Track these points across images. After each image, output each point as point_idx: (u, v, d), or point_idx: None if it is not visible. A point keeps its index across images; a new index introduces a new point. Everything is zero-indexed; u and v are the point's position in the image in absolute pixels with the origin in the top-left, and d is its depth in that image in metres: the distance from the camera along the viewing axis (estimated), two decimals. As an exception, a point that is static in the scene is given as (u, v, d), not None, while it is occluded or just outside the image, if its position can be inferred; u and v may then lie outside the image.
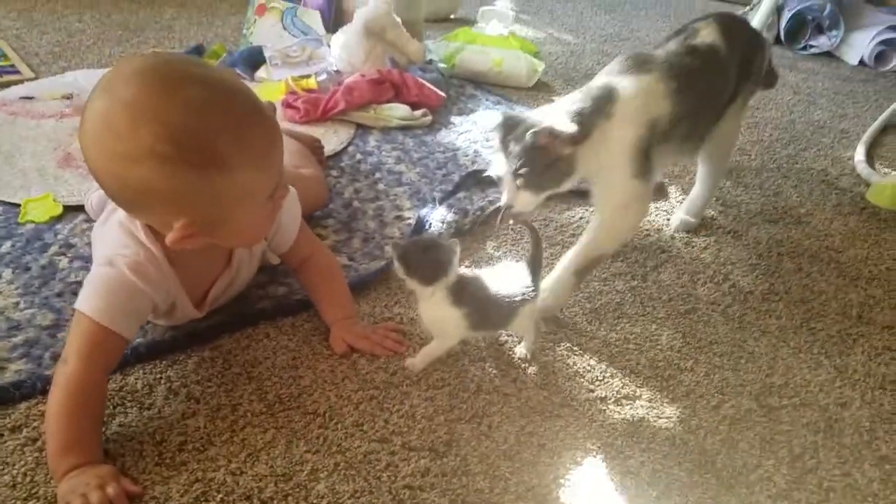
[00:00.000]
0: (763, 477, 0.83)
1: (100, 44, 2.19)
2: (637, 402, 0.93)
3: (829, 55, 2.73)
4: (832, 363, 1.02)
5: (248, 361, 0.96)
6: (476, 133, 1.78)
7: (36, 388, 0.90)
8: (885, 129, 1.96)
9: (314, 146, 1.47)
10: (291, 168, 1.26)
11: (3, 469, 0.79)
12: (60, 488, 0.76)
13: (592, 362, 0.99)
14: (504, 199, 0.97)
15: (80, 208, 1.30)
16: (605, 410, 0.91)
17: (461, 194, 1.43)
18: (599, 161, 0.96)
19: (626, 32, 2.87)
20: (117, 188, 0.79)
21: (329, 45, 2.07)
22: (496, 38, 2.16)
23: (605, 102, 0.96)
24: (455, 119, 1.86)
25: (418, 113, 1.80)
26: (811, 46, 2.76)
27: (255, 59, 2.04)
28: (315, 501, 0.77)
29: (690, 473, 0.83)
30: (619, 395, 0.93)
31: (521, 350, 0.98)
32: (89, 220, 1.27)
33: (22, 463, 0.80)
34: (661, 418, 0.90)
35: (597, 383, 0.95)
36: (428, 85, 1.87)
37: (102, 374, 0.84)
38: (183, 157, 0.74)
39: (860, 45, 2.62)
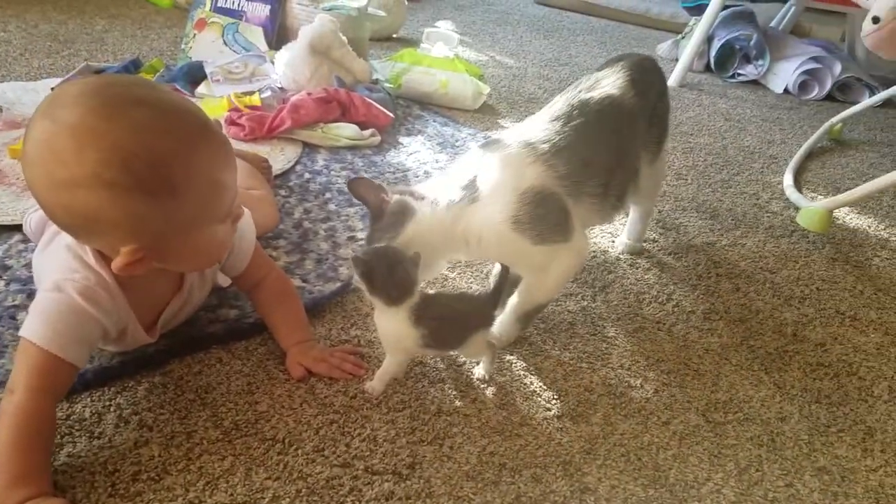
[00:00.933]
0: (713, 490, 0.87)
1: (27, 55, 2.12)
2: (592, 418, 0.96)
3: (756, 83, 2.90)
4: (771, 379, 1.08)
5: (202, 387, 0.95)
6: (425, 154, 1.81)
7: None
8: (809, 155, 2.09)
9: (262, 166, 1.47)
10: (242, 189, 1.25)
11: (-58, 505, 0.76)
12: None
13: (548, 381, 1.02)
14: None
15: (13, 228, 1.26)
16: (562, 428, 0.94)
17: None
18: (482, 248, 0.97)
19: (565, 57, 2.97)
20: (61, 214, 0.77)
21: (273, 62, 2.07)
22: (442, 59, 2.20)
23: (468, 189, 0.95)
24: (403, 139, 1.89)
25: (367, 133, 1.82)
26: (739, 74, 2.92)
27: (195, 75, 2.02)
28: (278, 529, 0.77)
29: (645, 488, 0.86)
30: (574, 413, 0.97)
31: (479, 371, 1.01)
32: (25, 241, 1.23)
33: (-37, 498, 0.77)
34: (614, 434, 0.94)
35: (553, 402, 0.99)
36: (376, 105, 1.90)
37: (52, 403, 0.81)
38: (131, 182, 0.72)
39: (785, 74, 2.79)
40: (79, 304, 0.82)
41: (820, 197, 1.78)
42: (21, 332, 0.81)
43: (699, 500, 0.86)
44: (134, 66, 2.03)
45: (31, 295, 1.09)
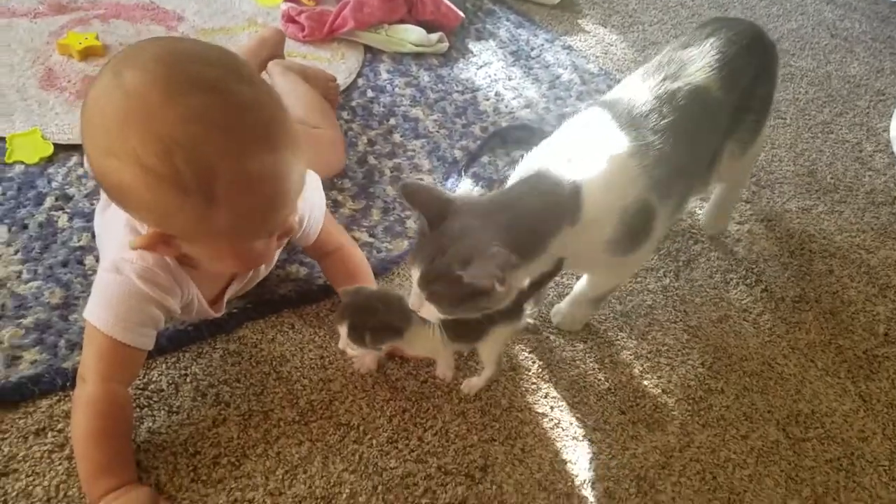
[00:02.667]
0: (787, 519, 0.90)
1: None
2: (668, 427, 0.98)
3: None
4: (857, 389, 1.08)
5: (276, 358, 0.98)
6: (497, 67, 1.72)
7: (55, 384, 0.91)
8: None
9: (329, 87, 1.41)
10: (307, 127, 1.22)
11: (35, 480, 0.82)
12: None
13: (623, 379, 1.03)
14: (410, 301, 0.85)
15: (71, 147, 1.25)
16: (636, 436, 0.97)
17: (485, 159, 1.41)
18: (565, 257, 0.90)
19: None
20: (98, 174, 0.74)
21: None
22: (522, -52, 2.04)
23: (566, 209, 0.84)
24: (473, 46, 1.79)
25: (434, 37, 1.73)
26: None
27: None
28: (356, 529, 0.82)
29: (719, 513, 0.90)
30: (650, 420, 0.99)
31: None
32: (84, 164, 1.22)
33: (52, 474, 0.83)
34: (691, 447, 0.96)
35: (628, 405, 1.00)
36: (445, 1, 1.78)
37: (125, 389, 0.85)
38: (166, 173, 0.68)
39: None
40: (138, 287, 0.82)
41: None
42: (85, 314, 0.83)
43: (772, 530, 0.89)
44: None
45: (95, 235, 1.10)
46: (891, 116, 1.81)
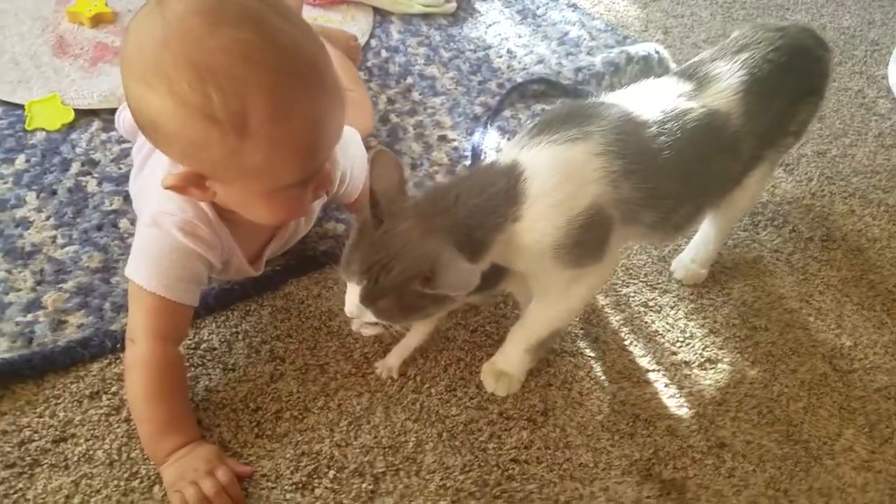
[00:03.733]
0: (845, 447, 0.88)
1: None
2: (719, 365, 0.95)
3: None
4: (894, 322, 1.06)
5: (324, 313, 0.94)
6: (505, 25, 1.66)
7: (105, 346, 0.86)
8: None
9: (350, 46, 1.35)
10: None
11: (94, 444, 0.77)
12: (166, 474, 0.74)
13: (670, 321, 1.00)
14: (346, 307, 0.74)
15: (91, 113, 1.18)
16: (690, 376, 0.93)
17: (507, 113, 1.36)
18: (509, 260, 0.77)
19: None
20: (132, 105, 0.70)
21: None
22: None
23: (507, 201, 0.71)
24: (479, 6, 1.72)
25: (441, -2, 1.65)
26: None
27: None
28: (427, 476, 0.79)
29: (780, 444, 0.87)
30: (702, 359, 0.96)
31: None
32: (107, 129, 1.16)
33: (112, 436, 0.78)
34: (743, 383, 0.94)
35: (678, 345, 0.97)
36: (451, -36, 1.71)
37: (175, 347, 0.79)
38: (198, 101, 0.64)
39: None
40: (179, 240, 0.77)
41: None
42: (127, 273, 0.78)
43: (832, 457, 0.87)
44: None
45: (127, 197, 1.03)
46: (887, 65, 1.79)
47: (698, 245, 1.06)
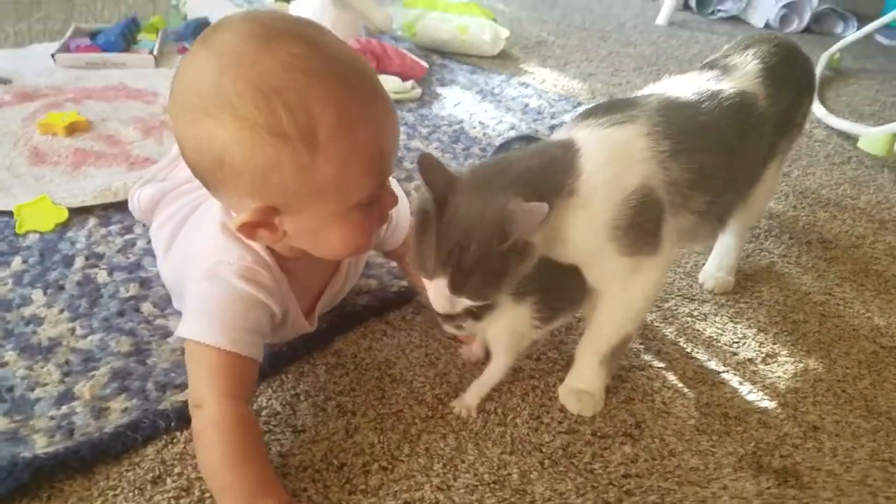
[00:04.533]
0: (923, 414, 0.87)
1: None
2: (779, 358, 0.94)
3: (737, 19, 2.90)
4: (910, 301, 1.09)
5: (382, 363, 0.87)
6: (471, 104, 1.71)
7: (158, 426, 0.75)
8: (819, 85, 2.11)
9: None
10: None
11: (172, 530, 0.65)
12: None
13: (718, 326, 0.99)
14: (435, 304, 0.72)
15: (84, 211, 1.11)
16: (757, 371, 0.91)
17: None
18: (565, 249, 0.74)
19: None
20: (189, 149, 0.66)
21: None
22: (457, 4, 2.08)
23: (563, 173, 0.70)
24: (440, 90, 1.78)
25: (408, 84, 1.70)
26: (720, 11, 2.92)
27: (202, 33, 1.82)
28: (542, 506, 0.71)
29: (866, 419, 0.85)
30: (762, 355, 0.94)
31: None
32: (104, 223, 1.08)
33: (189, 518, 0.66)
34: (808, 371, 0.92)
35: (735, 346, 0.95)
36: (409, 55, 1.77)
37: (246, 407, 0.70)
38: (266, 120, 0.61)
39: (765, 7, 2.80)
40: (241, 288, 0.71)
41: (859, 124, 1.80)
42: (183, 333, 0.70)
43: (917, 425, 0.85)
44: (132, 25, 1.81)
45: (143, 283, 0.96)
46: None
47: (720, 255, 1.07)
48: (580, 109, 0.75)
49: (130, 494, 0.68)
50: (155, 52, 1.71)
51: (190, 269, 0.77)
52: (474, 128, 1.58)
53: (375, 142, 0.67)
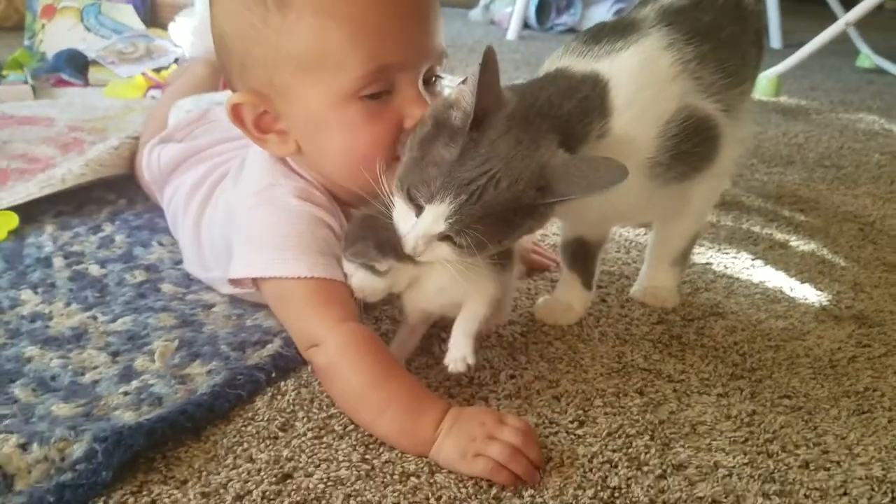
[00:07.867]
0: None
1: None
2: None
3: (574, 30, 3.20)
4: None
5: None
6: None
7: (258, 381, 0.68)
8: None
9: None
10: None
11: (328, 468, 0.59)
12: (444, 451, 0.58)
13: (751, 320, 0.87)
14: (406, 236, 0.61)
15: (34, 221, 0.97)
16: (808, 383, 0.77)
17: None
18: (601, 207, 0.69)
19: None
20: (214, 39, 0.70)
21: (167, 38, 1.82)
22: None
23: (595, 108, 0.64)
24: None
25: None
26: (557, 25, 3.21)
27: (78, 62, 1.71)
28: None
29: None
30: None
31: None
32: (63, 227, 0.96)
33: (341, 456, 0.60)
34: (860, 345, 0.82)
35: (780, 339, 0.83)
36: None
37: (361, 325, 0.66)
38: None
39: (598, 18, 3.13)
40: (300, 207, 0.68)
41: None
42: (251, 273, 0.67)
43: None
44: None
45: (148, 269, 0.87)
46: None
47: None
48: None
49: (263, 446, 0.60)
50: (31, 83, 1.56)
51: (240, 207, 0.71)
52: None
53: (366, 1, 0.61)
